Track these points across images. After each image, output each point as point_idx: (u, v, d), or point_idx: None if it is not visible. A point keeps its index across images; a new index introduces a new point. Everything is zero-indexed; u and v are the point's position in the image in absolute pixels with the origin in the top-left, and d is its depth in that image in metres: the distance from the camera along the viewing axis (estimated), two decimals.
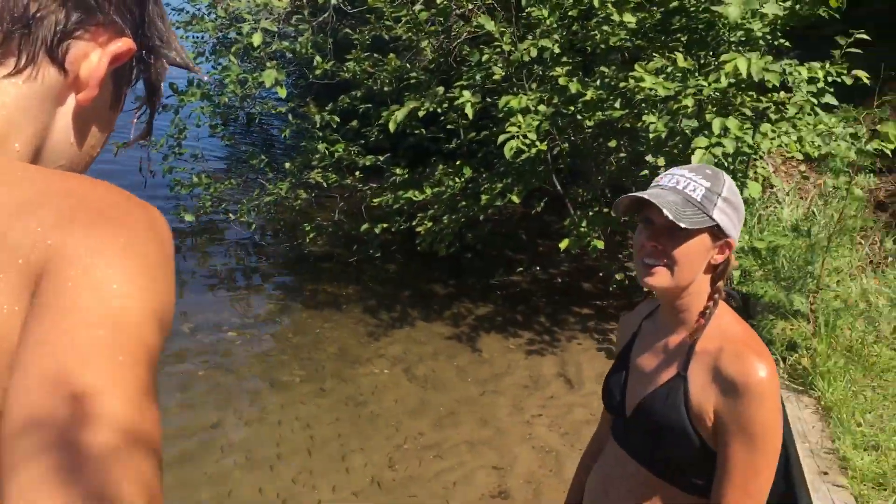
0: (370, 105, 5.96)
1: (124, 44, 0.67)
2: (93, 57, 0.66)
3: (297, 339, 5.20)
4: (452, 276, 6.26)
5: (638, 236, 1.48)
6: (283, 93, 5.48)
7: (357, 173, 6.48)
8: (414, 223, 5.49)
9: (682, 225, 1.38)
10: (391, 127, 4.81)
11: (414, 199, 5.32)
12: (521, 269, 6.34)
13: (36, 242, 0.54)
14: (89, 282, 0.53)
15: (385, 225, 5.59)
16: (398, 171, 6.07)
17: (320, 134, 6.34)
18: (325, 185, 6.52)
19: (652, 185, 1.49)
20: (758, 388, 1.36)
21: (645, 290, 1.62)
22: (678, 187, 1.44)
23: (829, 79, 4.72)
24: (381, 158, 6.22)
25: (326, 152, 6.29)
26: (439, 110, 5.16)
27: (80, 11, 0.64)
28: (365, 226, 5.67)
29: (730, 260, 1.50)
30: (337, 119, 6.29)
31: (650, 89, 4.18)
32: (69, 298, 0.52)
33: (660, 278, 1.45)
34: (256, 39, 4.74)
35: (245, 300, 5.70)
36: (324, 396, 4.53)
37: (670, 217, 1.38)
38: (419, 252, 5.78)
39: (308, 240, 6.12)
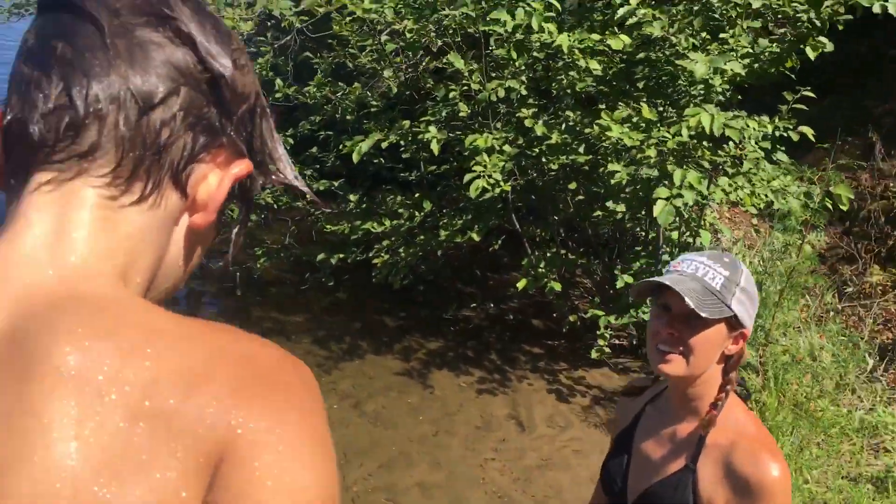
0: (331, 133, 5.88)
1: (246, 166, 0.67)
2: (211, 179, 0.65)
3: None
4: (403, 307, 6.19)
5: (653, 322, 1.46)
6: None
7: (308, 196, 6.36)
8: (371, 254, 5.40)
9: (704, 314, 1.37)
10: (355, 158, 4.74)
11: (372, 230, 5.25)
12: (475, 304, 6.31)
13: (213, 420, 0.52)
14: (275, 473, 0.52)
15: (341, 255, 5.49)
16: (353, 198, 5.99)
17: None
18: (275, 206, 6.39)
19: (668, 269, 1.48)
20: (771, 489, 1.35)
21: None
22: (697, 274, 1.43)
23: (777, 133, 4.88)
24: (336, 184, 6.13)
25: None
26: (402, 142, 5.12)
27: (206, 135, 0.64)
28: (321, 255, 5.56)
29: (743, 350, 1.50)
30: (291, 140, 6.19)
31: (617, 139, 4.23)
32: (257, 494, 0.51)
33: (675, 366, 1.43)
34: None
35: None
36: None
37: (692, 306, 1.36)
38: (371, 281, 5.70)
39: (259, 265, 5.97)
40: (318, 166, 6.23)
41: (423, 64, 5.70)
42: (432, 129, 4.69)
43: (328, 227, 6.01)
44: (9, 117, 0.60)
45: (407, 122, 4.96)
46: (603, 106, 5.34)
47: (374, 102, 5.69)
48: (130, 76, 0.60)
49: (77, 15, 0.60)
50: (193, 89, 0.62)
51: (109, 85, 0.59)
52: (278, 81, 5.66)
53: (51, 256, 0.59)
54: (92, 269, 0.59)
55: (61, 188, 0.60)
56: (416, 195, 5.50)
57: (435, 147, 4.63)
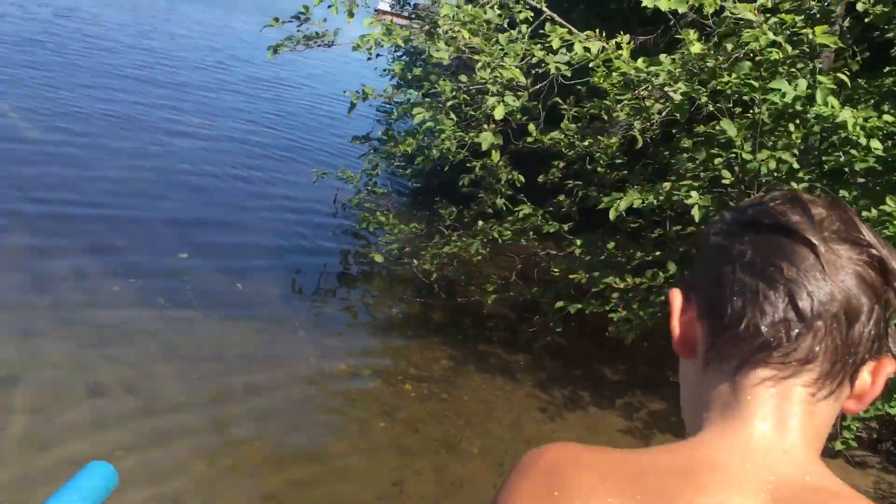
0: (579, 182, 5.94)
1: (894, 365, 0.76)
2: (865, 375, 0.75)
3: (471, 404, 5.19)
4: (623, 360, 6.13)
5: None
6: (495, 157, 5.55)
7: (532, 234, 6.45)
8: (608, 308, 5.38)
9: None
10: (612, 216, 4.76)
11: (614, 285, 5.24)
12: None
13: None
14: None
15: (580, 306, 5.50)
16: (578, 243, 5.99)
17: (503, 190, 6.38)
18: (499, 240, 6.53)
19: None
20: None
21: None
22: None
23: None
24: (566, 228, 6.17)
25: (504, 208, 6.34)
26: (655, 202, 5.06)
27: (877, 342, 0.74)
28: (560, 303, 5.56)
29: None
30: (522, 179, 6.32)
31: None
32: None
33: None
34: (499, 113, 4.81)
35: (420, 352, 5.76)
36: (503, 476, 4.49)
37: None
38: (588, 326, 5.69)
39: (489, 301, 6.13)
40: (551, 209, 6.31)
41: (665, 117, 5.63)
42: (694, 194, 4.61)
43: (555, 269, 6.08)
44: (745, 320, 0.72)
45: (668, 185, 4.90)
46: (862, 179, 5.04)
47: (620, 159, 5.70)
48: (842, 296, 0.71)
49: (794, 239, 0.72)
50: (880, 305, 0.72)
51: (826, 303, 0.71)
52: (531, 127, 5.80)
53: (779, 445, 0.72)
54: (809, 457, 0.72)
55: (778, 385, 0.73)
56: (658, 254, 5.43)
57: (697, 213, 4.55)
